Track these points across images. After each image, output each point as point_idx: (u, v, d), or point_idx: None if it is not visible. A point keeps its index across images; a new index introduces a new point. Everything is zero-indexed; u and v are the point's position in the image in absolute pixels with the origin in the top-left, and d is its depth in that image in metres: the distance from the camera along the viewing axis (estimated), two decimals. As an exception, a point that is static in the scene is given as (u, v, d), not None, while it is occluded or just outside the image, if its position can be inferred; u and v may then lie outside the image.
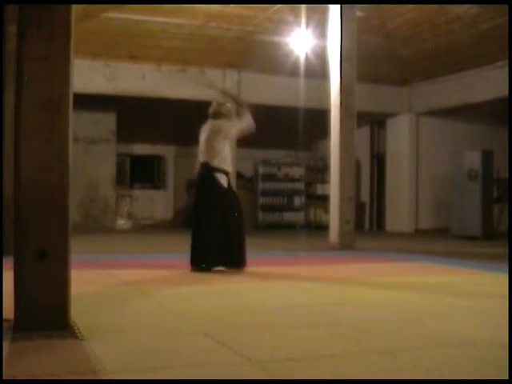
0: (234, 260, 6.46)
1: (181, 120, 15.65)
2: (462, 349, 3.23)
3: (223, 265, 6.47)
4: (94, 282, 5.56)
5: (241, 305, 4.58)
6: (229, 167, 6.59)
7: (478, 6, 10.81)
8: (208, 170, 6.52)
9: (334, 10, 9.82)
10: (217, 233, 6.41)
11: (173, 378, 2.63)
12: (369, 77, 13.32)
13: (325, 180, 15.24)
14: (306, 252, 9.46)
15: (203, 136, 6.71)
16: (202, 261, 6.45)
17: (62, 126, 3.40)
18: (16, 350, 2.99)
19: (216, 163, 6.49)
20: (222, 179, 6.48)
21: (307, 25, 11.20)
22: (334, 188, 9.88)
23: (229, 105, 6.98)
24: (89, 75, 12.22)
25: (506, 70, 11.61)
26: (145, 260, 7.83)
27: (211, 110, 6.83)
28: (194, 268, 6.45)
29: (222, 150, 6.50)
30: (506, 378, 2.61)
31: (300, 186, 16.65)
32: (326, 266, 7.63)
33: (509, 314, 3.80)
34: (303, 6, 10.83)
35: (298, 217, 16.50)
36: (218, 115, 6.75)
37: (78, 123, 13.40)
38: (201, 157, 6.69)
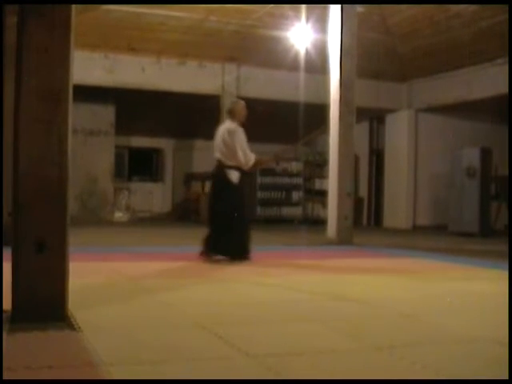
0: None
1: (180, 113, 15.64)
2: (460, 346, 3.24)
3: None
4: (92, 274, 5.56)
5: (239, 299, 4.59)
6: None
7: (478, 3, 10.80)
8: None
9: (335, 5, 9.81)
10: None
11: (170, 371, 2.63)
12: (368, 72, 13.31)
13: (323, 175, 15.23)
14: (304, 247, 9.46)
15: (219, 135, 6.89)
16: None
17: (62, 118, 3.39)
18: (13, 342, 2.99)
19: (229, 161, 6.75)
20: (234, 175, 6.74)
21: (307, 19, 11.19)
22: (332, 183, 9.88)
23: (242, 102, 7.04)
24: (88, 67, 12.18)
25: (506, 67, 11.60)
26: (142, 253, 7.82)
27: (228, 108, 7.04)
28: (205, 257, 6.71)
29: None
30: (506, 374, 2.61)
31: (298, 180, 16.63)
32: (324, 261, 7.64)
33: (508, 311, 3.80)
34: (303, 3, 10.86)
35: (296, 212, 16.50)
36: (229, 113, 6.92)
37: (77, 115, 13.35)
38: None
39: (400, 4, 11.30)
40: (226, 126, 6.80)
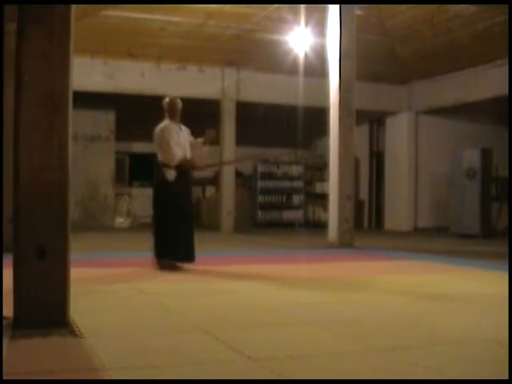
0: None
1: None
2: (462, 347, 3.24)
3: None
4: (93, 280, 5.56)
5: (240, 303, 4.59)
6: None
7: (478, 4, 10.81)
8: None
9: (334, 8, 9.83)
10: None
11: (172, 376, 2.63)
12: (368, 75, 13.31)
13: (324, 178, 15.23)
14: (305, 250, 9.46)
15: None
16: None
17: (62, 124, 3.40)
18: (15, 348, 2.99)
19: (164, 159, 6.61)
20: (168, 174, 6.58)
21: (306, 23, 11.20)
22: (333, 186, 9.89)
23: (176, 99, 6.94)
24: (88, 73, 12.20)
25: (506, 68, 11.60)
26: (143, 258, 7.81)
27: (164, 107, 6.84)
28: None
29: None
30: (506, 375, 2.61)
31: (299, 184, 16.62)
32: (325, 264, 7.63)
33: (508, 312, 3.80)
34: (302, 4, 10.85)
35: (297, 215, 16.49)
36: (166, 112, 6.82)
37: (77, 121, 13.36)
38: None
39: (399, 4, 11.30)
40: (160, 125, 6.73)
